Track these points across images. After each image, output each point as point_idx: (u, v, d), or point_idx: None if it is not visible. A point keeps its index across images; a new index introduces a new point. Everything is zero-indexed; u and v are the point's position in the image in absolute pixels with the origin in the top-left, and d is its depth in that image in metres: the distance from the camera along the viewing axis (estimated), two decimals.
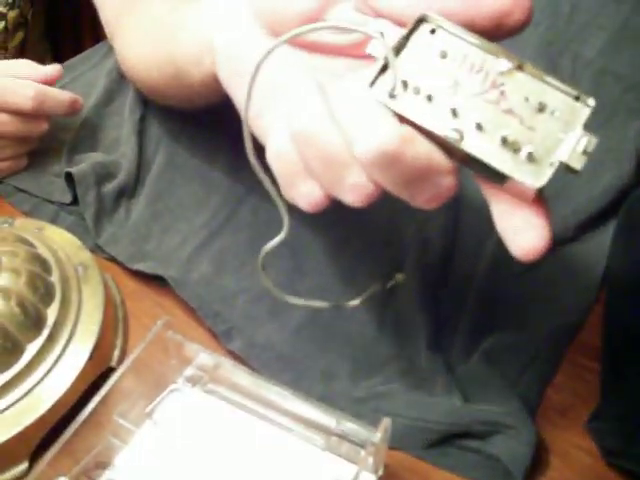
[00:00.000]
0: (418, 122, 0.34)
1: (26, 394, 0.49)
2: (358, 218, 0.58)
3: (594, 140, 0.33)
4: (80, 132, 0.69)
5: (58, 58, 1.04)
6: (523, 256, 0.34)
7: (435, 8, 0.35)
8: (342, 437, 0.48)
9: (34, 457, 0.49)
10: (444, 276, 0.57)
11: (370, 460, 0.46)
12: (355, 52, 0.38)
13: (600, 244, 0.58)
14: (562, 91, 0.34)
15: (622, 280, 0.56)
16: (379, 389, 0.51)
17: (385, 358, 0.53)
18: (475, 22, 0.35)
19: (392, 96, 0.34)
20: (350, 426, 0.47)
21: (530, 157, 0.33)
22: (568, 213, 0.59)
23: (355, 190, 0.35)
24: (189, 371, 0.51)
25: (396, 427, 0.47)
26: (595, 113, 0.34)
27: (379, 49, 0.35)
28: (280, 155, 0.37)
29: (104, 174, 0.64)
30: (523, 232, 0.33)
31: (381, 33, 0.36)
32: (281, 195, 0.39)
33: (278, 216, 0.59)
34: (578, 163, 0.33)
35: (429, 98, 0.34)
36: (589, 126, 0.33)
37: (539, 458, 0.48)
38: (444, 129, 0.33)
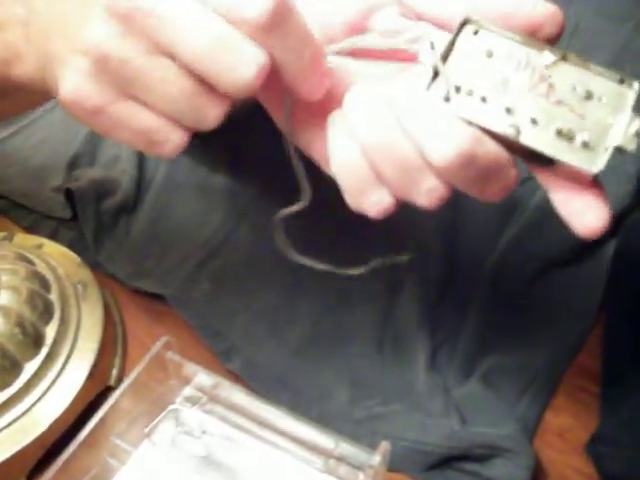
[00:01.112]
0: (478, 123, 0.35)
1: (24, 414, 0.49)
2: (355, 235, 0.58)
3: None
4: (80, 148, 0.69)
5: None
6: (586, 235, 0.36)
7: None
8: (341, 459, 0.47)
9: (31, 477, 0.49)
10: (443, 295, 0.57)
11: None
12: (400, 55, 0.39)
13: (599, 265, 0.58)
14: (606, 77, 0.36)
15: (622, 301, 0.56)
16: (377, 410, 0.51)
17: (383, 379, 0.53)
18: None
19: (447, 99, 0.36)
20: (349, 448, 0.46)
21: (584, 144, 0.35)
22: (567, 234, 0.59)
23: (430, 194, 0.36)
24: (188, 391, 0.51)
25: (395, 449, 0.46)
26: None
27: (428, 57, 0.37)
28: (350, 167, 0.37)
29: (104, 191, 0.64)
30: (583, 214, 0.35)
31: (431, 43, 0.37)
32: (300, 166, 0.40)
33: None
34: (631, 145, 0.34)
35: (483, 99, 0.36)
36: (636, 107, 0.35)
37: None
38: (503, 126, 0.35)
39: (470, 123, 0.35)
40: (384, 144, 0.35)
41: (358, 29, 0.39)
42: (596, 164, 0.34)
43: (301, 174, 0.40)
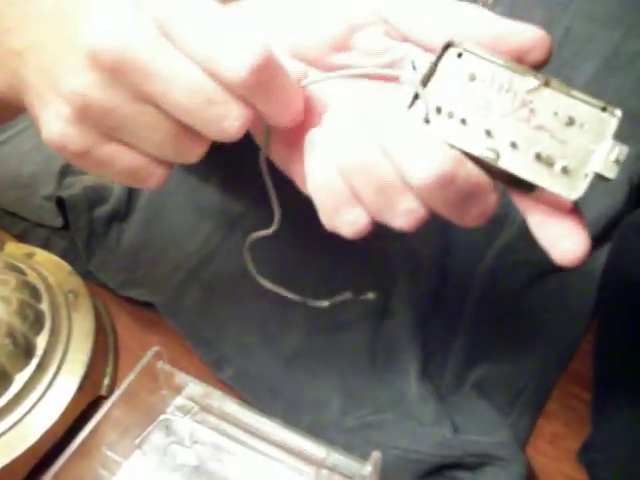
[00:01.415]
0: (457, 145, 0.35)
1: (14, 425, 0.49)
2: (346, 244, 0.58)
3: (625, 149, 0.34)
4: None
5: None
6: (565, 263, 0.35)
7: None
8: (332, 469, 0.47)
9: None
10: (435, 304, 0.57)
11: None
12: (384, 75, 0.39)
13: (592, 272, 0.57)
14: (589, 103, 0.36)
15: (614, 308, 0.56)
16: (369, 419, 0.51)
17: (376, 387, 0.53)
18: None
19: (427, 121, 0.36)
20: (340, 458, 0.46)
21: (564, 170, 0.35)
22: None
23: (408, 215, 0.35)
24: (179, 401, 0.51)
25: (387, 458, 0.46)
26: None
27: (410, 78, 0.37)
28: (327, 186, 0.37)
29: (95, 199, 0.64)
30: (562, 240, 0.35)
31: (412, 65, 0.37)
32: (272, 190, 0.40)
33: (270, 241, 0.59)
34: (611, 172, 0.34)
35: (463, 121, 0.36)
36: (618, 135, 0.35)
37: None
38: (481, 149, 0.35)
39: (450, 145, 0.35)
40: (362, 163, 0.35)
41: (341, 47, 0.39)
42: (575, 190, 0.34)
43: (273, 197, 0.40)
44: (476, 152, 0.35)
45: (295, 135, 0.39)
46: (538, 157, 0.35)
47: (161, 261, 0.62)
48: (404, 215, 0.36)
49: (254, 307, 0.57)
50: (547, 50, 0.36)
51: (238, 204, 0.64)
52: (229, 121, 0.35)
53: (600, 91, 0.62)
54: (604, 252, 0.58)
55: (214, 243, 0.62)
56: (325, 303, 0.46)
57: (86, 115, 0.36)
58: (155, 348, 0.49)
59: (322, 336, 0.56)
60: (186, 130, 0.36)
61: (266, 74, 0.34)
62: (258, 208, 0.62)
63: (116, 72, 0.34)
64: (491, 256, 0.58)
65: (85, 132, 0.36)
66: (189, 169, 0.66)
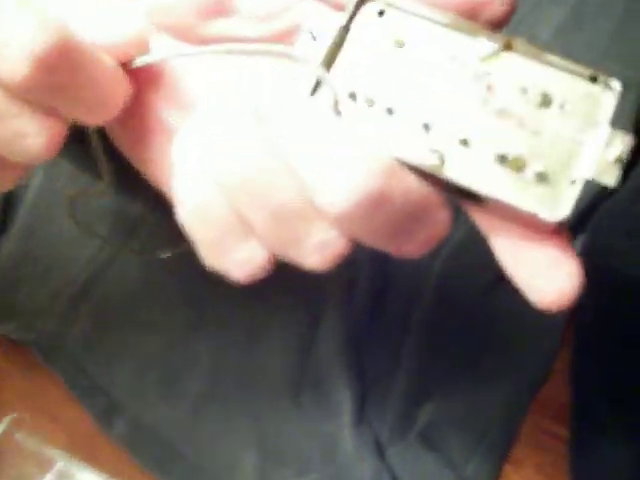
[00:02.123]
0: (381, 147, 0.25)
1: None
2: None
3: (629, 139, 0.24)
4: None
5: None
6: (549, 304, 0.26)
7: None
8: None
9: None
10: (373, 325, 0.49)
11: None
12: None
13: None
14: (571, 72, 0.26)
15: (592, 312, 0.48)
16: None
17: (300, 437, 0.46)
18: None
19: (338, 113, 0.26)
20: None
21: (540, 176, 0.25)
22: None
23: (321, 250, 0.26)
24: (50, 477, 0.42)
25: None
26: None
27: (310, 55, 0.27)
28: (204, 214, 0.27)
29: None
30: (544, 274, 0.26)
31: (311, 33, 0.27)
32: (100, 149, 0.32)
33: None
34: (611, 177, 0.24)
35: (389, 111, 0.26)
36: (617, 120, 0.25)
37: None
38: (418, 153, 0.25)
39: (374, 148, 0.25)
40: (249, 180, 0.25)
41: (218, 12, 0.29)
42: (558, 207, 0.24)
43: (101, 156, 0.32)
44: (411, 157, 0.25)
45: (157, 130, 0.29)
46: (501, 159, 0.25)
47: (45, 279, 0.53)
48: (316, 251, 0.26)
49: (153, 339, 0.49)
50: (509, 3, 0.26)
51: (135, 206, 0.54)
52: (30, 138, 0.26)
53: (567, 47, 0.54)
54: (577, 246, 0.49)
55: (108, 253, 0.53)
56: (168, 253, 0.39)
57: None
58: (9, 417, 0.40)
59: (235, 372, 0.49)
60: None
61: (61, 68, 0.25)
62: (160, 214, 0.53)
63: None
64: (440, 261, 0.49)
65: None
66: (79, 166, 0.57)
